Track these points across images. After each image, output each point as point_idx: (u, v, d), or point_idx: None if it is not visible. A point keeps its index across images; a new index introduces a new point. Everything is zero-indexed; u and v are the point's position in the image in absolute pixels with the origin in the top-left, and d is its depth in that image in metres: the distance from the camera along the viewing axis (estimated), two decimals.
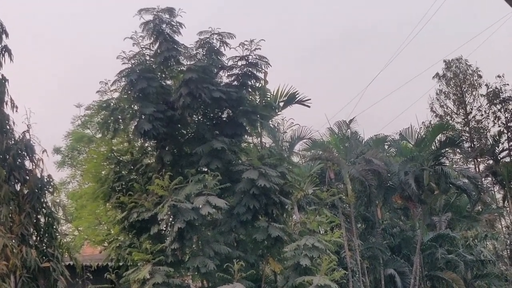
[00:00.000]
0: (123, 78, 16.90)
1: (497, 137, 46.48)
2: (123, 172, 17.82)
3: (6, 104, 14.64)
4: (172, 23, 17.36)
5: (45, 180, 14.79)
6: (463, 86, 51.17)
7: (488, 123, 49.83)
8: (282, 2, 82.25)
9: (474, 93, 51.05)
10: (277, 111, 21.26)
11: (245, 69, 17.54)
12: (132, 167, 17.77)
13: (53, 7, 75.98)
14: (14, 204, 14.06)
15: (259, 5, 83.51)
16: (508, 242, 41.33)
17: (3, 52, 14.81)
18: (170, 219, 15.52)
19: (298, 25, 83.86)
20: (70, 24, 76.24)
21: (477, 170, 47.28)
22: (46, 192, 14.86)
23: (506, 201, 45.04)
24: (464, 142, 45.88)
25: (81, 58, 69.29)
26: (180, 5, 17.37)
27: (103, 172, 18.46)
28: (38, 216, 14.64)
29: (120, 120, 17.53)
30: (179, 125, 17.86)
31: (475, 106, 50.75)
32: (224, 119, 17.97)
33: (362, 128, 78.61)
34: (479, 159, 49.21)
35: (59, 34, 74.85)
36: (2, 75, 14.63)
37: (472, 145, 49.72)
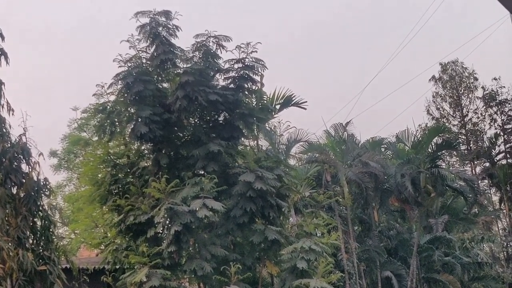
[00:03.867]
0: (119, 81, 16.90)
1: (494, 140, 46.58)
2: (119, 175, 17.82)
3: (2, 107, 14.68)
4: (169, 26, 17.36)
5: (42, 183, 14.80)
6: (459, 88, 51.29)
7: (485, 126, 49.95)
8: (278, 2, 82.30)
9: (470, 95, 51.17)
10: (273, 113, 21.26)
11: (242, 72, 17.53)
12: (128, 170, 17.77)
13: (51, 7, 75.91)
14: (10, 207, 14.07)
15: (252, 2, 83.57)
16: (505, 244, 41.34)
17: None
18: (167, 222, 15.50)
19: (295, 25, 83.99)
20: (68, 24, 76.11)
21: (474, 173, 47.37)
22: (43, 195, 14.88)
23: (502, 203, 45.11)
24: (461, 144, 46.07)
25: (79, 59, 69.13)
26: (176, 7, 17.43)
27: (99, 175, 18.45)
28: (35, 219, 14.65)
29: (117, 123, 17.52)
30: (176, 128, 17.86)
31: (471, 109, 50.88)
32: (221, 122, 17.97)
33: (359, 131, 78.44)
34: (475, 162, 49.25)
35: (56, 33, 74.74)
36: None
37: (469, 148, 49.81)
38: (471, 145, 50.27)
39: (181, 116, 17.01)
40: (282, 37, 79.68)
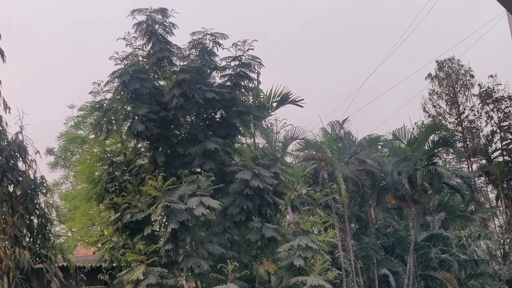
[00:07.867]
0: (116, 79, 16.83)
1: (490, 137, 46.70)
2: (116, 173, 17.79)
3: None
4: (165, 23, 17.32)
5: (38, 181, 14.79)
6: (456, 86, 51.33)
7: (481, 123, 50.04)
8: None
9: (466, 93, 51.22)
10: (270, 111, 21.25)
11: (238, 69, 17.51)
12: (125, 168, 17.74)
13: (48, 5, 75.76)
14: (7, 206, 14.05)
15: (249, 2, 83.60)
16: (502, 241, 41.45)
17: None
18: (164, 220, 15.51)
19: (293, 20, 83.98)
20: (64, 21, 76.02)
21: (470, 170, 47.45)
22: (39, 193, 14.87)
23: (499, 201, 45.28)
24: (457, 142, 46.09)
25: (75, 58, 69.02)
26: (172, 5, 17.40)
27: (96, 173, 18.41)
28: (31, 217, 14.64)
29: (113, 121, 17.47)
30: (172, 126, 17.84)
31: (467, 106, 50.93)
32: (217, 119, 17.95)
33: (355, 128, 78.90)
34: (472, 159, 49.38)
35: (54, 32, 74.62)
36: None
37: (465, 145, 49.88)
38: (467, 143, 50.35)
39: (178, 114, 16.99)
40: (279, 33, 79.63)
